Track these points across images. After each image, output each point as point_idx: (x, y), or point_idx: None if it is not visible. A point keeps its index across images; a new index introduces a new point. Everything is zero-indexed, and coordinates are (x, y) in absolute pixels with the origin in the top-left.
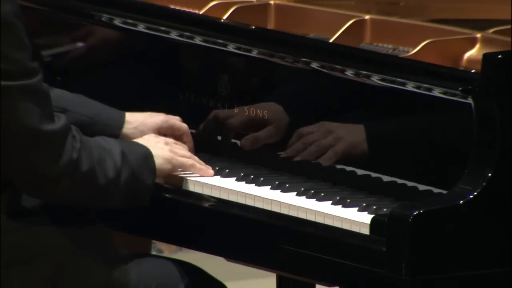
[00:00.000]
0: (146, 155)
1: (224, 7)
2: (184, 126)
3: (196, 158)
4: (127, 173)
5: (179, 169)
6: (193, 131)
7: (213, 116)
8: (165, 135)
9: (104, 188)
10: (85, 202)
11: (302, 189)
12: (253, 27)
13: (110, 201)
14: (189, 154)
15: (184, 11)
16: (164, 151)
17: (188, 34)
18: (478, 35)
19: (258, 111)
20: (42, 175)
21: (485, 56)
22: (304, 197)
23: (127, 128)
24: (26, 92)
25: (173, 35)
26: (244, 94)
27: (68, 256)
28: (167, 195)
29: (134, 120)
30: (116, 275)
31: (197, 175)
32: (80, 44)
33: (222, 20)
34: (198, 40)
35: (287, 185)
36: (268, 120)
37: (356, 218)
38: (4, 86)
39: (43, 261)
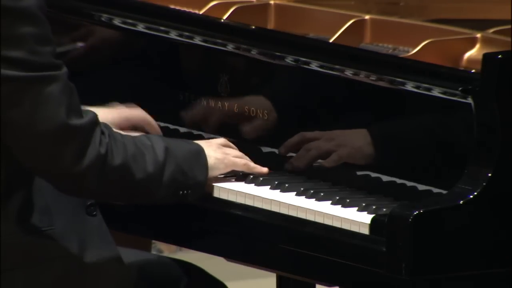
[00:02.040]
0: (198, 151)
1: (224, 7)
2: (145, 117)
3: (247, 158)
4: (172, 168)
5: (232, 169)
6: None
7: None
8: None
9: (142, 183)
10: (124, 197)
11: (302, 189)
12: (253, 27)
13: (155, 195)
14: (241, 154)
15: (184, 11)
16: (216, 152)
17: (188, 34)
18: (478, 35)
19: (258, 111)
20: (67, 170)
21: (485, 56)
22: (304, 197)
23: None
24: (52, 82)
25: (173, 35)
26: (244, 94)
27: (73, 263)
28: None
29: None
30: (117, 274)
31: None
32: (80, 44)
33: (222, 20)
34: (198, 40)
35: (287, 185)
36: (268, 119)
37: (356, 218)
38: (28, 77)
39: (48, 266)
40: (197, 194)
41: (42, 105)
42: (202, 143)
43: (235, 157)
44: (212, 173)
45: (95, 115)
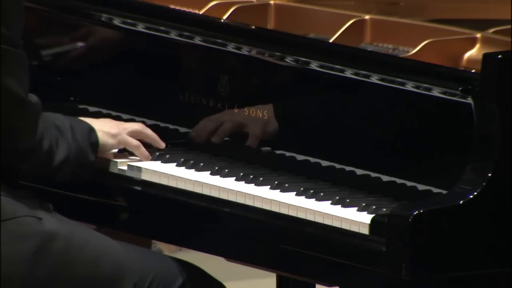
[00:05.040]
0: (90, 130)
1: (224, 7)
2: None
3: (149, 130)
4: (75, 149)
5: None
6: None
7: (211, 116)
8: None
9: (57, 168)
10: (37, 178)
11: (302, 189)
12: (253, 27)
13: (59, 177)
14: (138, 127)
15: (184, 11)
16: (112, 127)
17: (188, 34)
18: (478, 35)
19: (258, 111)
20: (17, 147)
21: (485, 56)
22: (304, 197)
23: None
24: (19, 61)
25: (173, 35)
26: (244, 94)
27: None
28: (166, 194)
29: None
30: (112, 265)
31: (194, 176)
32: (80, 44)
33: (222, 20)
34: (198, 40)
35: (287, 185)
36: (268, 120)
37: (356, 218)
38: (11, 51)
39: (28, 219)
40: (88, 172)
41: (8, 80)
42: (100, 120)
43: (131, 135)
44: (104, 149)
45: (37, 97)
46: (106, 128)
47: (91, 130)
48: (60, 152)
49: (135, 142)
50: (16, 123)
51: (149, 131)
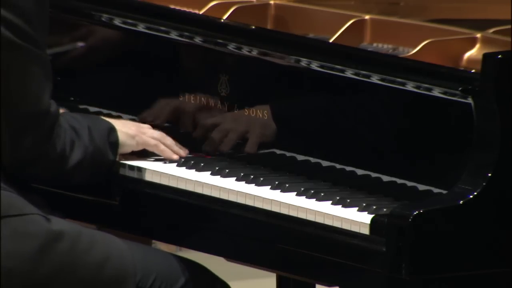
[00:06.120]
0: (109, 129)
1: (224, 7)
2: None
3: (169, 140)
4: (92, 149)
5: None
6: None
7: (211, 116)
8: None
9: (71, 171)
10: (51, 181)
11: (302, 189)
12: (253, 27)
13: (76, 179)
14: (157, 136)
15: (184, 11)
16: (130, 129)
17: (188, 34)
18: (478, 35)
19: (258, 111)
20: (27, 154)
21: (485, 56)
22: (304, 197)
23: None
24: (44, 65)
25: (173, 35)
26: (244, 94)
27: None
28: (167, 194)
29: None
30: (116, 267)
31: (194, 176)
32: (80, 44)
33: (222, 20)
34: (198, 40)
35: (287, 185)
36: (268, 120)
37: (356, 218)
38: (34, 51)
39: (36, 217)
40: (107, 172)
41: (28, 81)
42: (119, 120)
43: (150, 137)
44: (123, 149)
45: (56, 104)
46: (125, 129)
47: (111, 129)
48: (75, 155)
49: (153, 141)
50: (30, 132)
51: (168, 141)
